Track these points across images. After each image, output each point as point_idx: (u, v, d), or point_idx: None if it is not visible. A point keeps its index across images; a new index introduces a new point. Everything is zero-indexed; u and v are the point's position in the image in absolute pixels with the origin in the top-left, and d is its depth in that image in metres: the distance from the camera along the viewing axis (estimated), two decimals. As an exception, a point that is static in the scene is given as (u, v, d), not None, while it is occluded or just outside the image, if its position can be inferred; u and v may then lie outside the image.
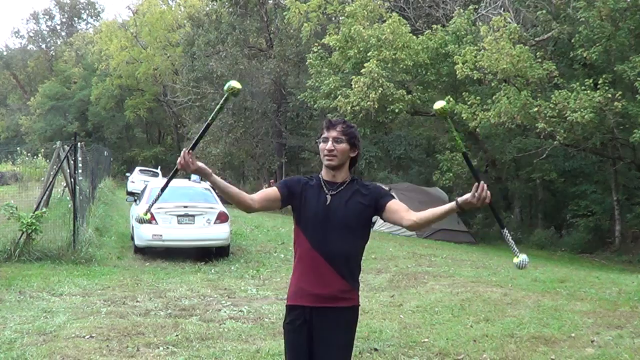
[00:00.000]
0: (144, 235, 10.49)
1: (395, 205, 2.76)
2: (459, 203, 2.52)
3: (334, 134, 2.75)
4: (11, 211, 9.43)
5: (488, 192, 2.47)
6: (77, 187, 10.94)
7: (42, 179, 12.83)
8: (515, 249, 2.65)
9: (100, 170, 22.74)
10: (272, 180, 29.57)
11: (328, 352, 2.69)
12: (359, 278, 2.83)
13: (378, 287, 8.11)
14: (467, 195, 2.50)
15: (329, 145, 2.74)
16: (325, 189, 2.76)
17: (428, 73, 18.44)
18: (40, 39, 58.36)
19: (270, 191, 2.82)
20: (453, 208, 2.56)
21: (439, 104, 2.51)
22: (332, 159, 2.75)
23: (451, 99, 16.84)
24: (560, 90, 15.04)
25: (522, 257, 2.64)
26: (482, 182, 2.48)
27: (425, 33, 18.38)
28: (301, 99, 22.03)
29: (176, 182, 16.02)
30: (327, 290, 2.68)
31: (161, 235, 10.42)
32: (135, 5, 43.76)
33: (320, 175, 2.83)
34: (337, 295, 2.70)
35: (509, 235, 2.68)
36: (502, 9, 17.64)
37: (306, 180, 2.85)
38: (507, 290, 7.44)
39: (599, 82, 14.56)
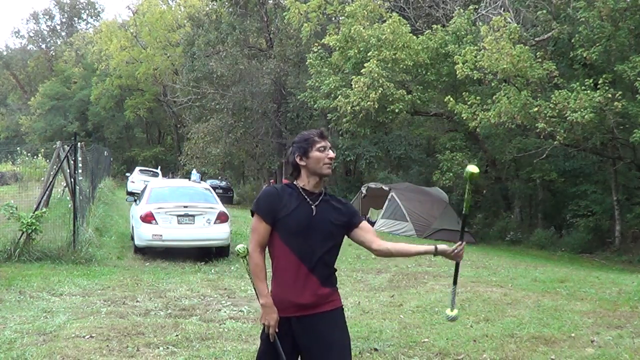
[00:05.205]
0: (144, 235, 10.49)
1: (367, 225, 2.87)
2: (437, 250, 2.77)
3: (328, 143, 2.79)
4: (11, 211, 9.42)
5: (463, 252, 2.77)
6: (77, 187, 10.94)
7: (42, 179, 12.81)
8: (454, 303, 2.96)
9: (100, 170, 22.74)
10: (272, 180, 29.59)
11: (327, 352, 2.69)
12: (337, 282, 2.89)
13: (378, 287, 8.10)
14: (447, 248, 2.78)
15: (332, 153, 2.77)
16: (308, 199, 2.76)
17: (428, 73, 18.43)
18: (40, 39, 58.43)
19: (262, 231, 2.78)
20: (429, 251, 2.79)
21: (473, 169, 2.75)
22: (331, 167, 2.78)
23: (451, 99, 16.84)
24: (560, 90, 15.03)
25: (455, 314, 2.94)
26: (463, 242, 2.77)
27: (425, 33, 18.38)
28: (301, 99, 22.03)
29: (176, 182, 16.09)
30: (311, 298, 2.71)
31: (161, 235, 10.42)
32: (135, 5, 43.82)
33: (296, 185, 2.80)
34: (320, 301, 2.73)
35: (455, 291, 3.00)
36: (502, 9, 17.63)
37: (279, 190, 2.82)
38: (507, 290, 7.44)
39: (599, 82, 14.55)
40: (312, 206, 2.74)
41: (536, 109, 15.00)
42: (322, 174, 2.77)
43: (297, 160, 2.77)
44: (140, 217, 10.54)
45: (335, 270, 2.85)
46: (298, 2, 23.26)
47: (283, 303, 2.74)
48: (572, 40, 15.76)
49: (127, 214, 13.72)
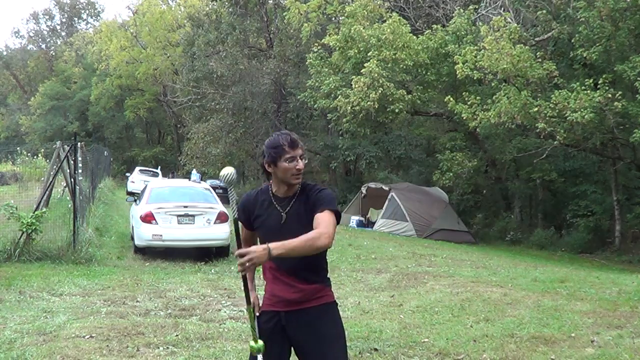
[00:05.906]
0: (144, 235, 10.49)
1: (321, 218, 2.59)
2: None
3: (299, 152, 2.70)
4: (11, 211, 9.43)
5: (247, 262, 2.36)
6: (77, 187, 10.95)
7: (42, 179, 12.83)
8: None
9: (100, 170, 22.74)
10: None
11: (318, 345, 2.69)
12: (328, 276, 2.83)
13: (378, 287, 8.10)
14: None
15: (300, 164, 2.70)
16: (278, 206, 2.73)
17: (428, 73, 18.44)
18: (40, 39, 58.43)
19: (244, 232, 2.88)
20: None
21: None
22: (299, 177, 2.73)
23: (451, 99, 16.85)
24: (560, 90, 15.03)
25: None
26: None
27: (425, 33, 18.39)
28: (301, 99, 22.03)
29: (176, 182, 16.10)
30: (296, 295, 2.70)
31: (161, 235, 10.42)
32: (135, 5, 43.84)
33: (269, 189, 2.78)
34: (308, 297, 2.72)
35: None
36: (502, 9, 17.63)
37: (255, 196, 2.83)
38: (507, 290, 7.43)
39: (599, 82, 14.56)
40: (282, 213, 2.73)
41: (536, 109, 15.01)
42: (290, 184, 2.73)
43: (266, 166, 2.75)
44: (140, 217, 10.54)
45: (324, 266, 2.79)
46: (298, 2, 23.28)
47: (273, 298, 2.77)
48: (572, 40, 15.76)
49: (127, 214, 13.72)
